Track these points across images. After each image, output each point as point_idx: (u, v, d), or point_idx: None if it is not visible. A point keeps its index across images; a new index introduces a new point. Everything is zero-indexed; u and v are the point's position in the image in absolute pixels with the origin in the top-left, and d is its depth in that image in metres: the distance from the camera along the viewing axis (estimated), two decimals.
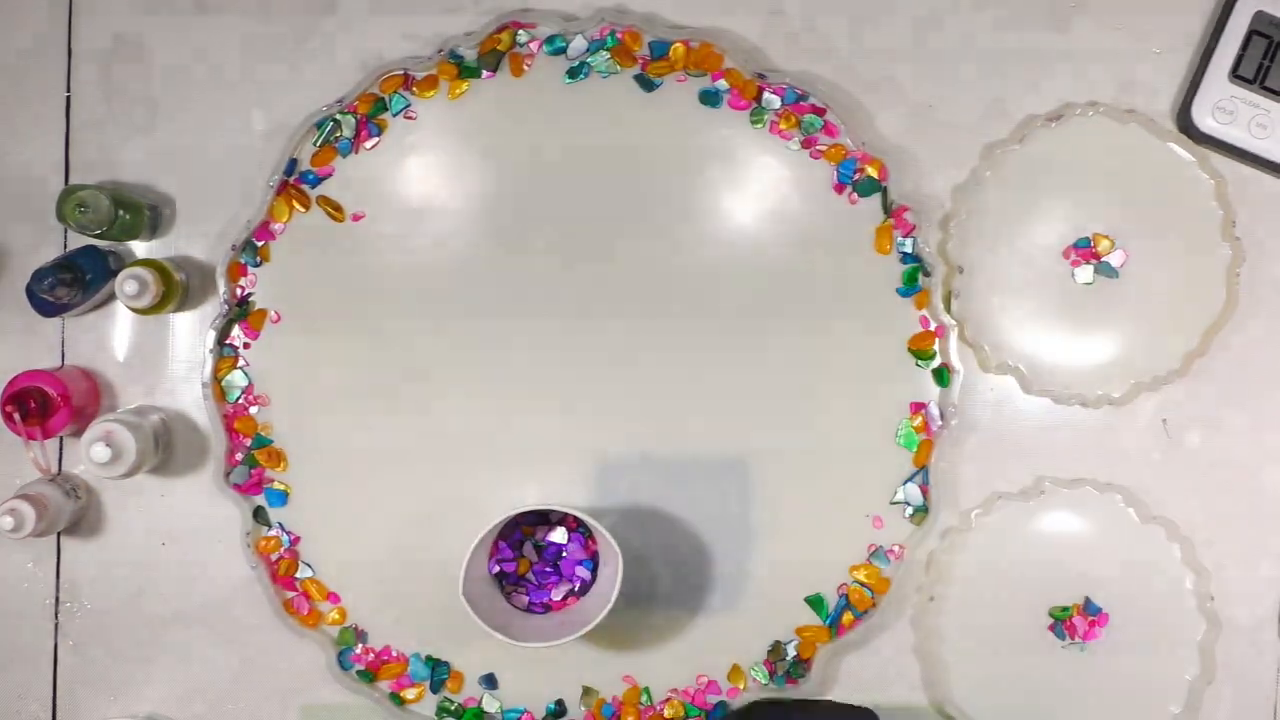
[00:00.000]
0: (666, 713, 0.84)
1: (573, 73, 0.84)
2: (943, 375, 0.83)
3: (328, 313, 0.85)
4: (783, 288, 0.84)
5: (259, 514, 0.85)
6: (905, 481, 0.84)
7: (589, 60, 0.84)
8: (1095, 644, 0.83)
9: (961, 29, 0.85)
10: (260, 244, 0.85)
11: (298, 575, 0.85)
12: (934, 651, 0.84)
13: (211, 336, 0.84)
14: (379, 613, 0.85)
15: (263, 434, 0.85)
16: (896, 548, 0.84)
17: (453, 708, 0.85)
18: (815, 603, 0.84)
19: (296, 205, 0.84)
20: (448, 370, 0.85)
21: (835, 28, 0.85)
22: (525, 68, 0.84)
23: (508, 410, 0.85)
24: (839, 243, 0.84)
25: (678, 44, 0.83)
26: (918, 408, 0.83)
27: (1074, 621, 0.83)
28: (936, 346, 0.83)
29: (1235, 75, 0.82)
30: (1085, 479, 0.84)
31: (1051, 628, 0.83)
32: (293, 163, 0.84)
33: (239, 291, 0.85)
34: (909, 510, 0.84)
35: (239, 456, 0.85)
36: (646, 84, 0.84)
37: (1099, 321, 0.83)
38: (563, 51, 0.84)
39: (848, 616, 0.83)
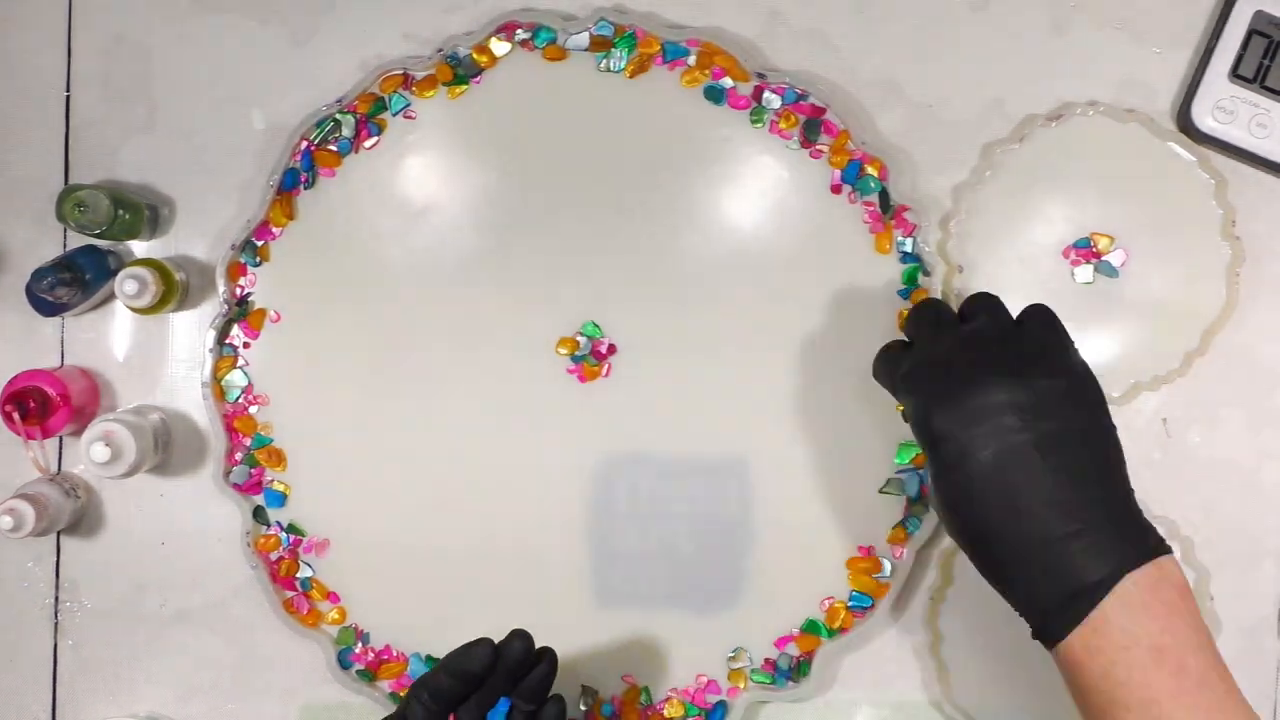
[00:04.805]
0: (666, 713, 0.84)
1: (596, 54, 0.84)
2: None
3: (328, 312, 0.85)
4: (782, 287, 0.84)
5: (259, 514, 0.85)
6: (898, 472, 0.84)
7: (615, 46, 0.84)
8: None
9: (961, 29, 0.85)
10: (260, 243, 0.85)
11: (298, 575, 0.85)
12: (934, 651, 0.84)
13: (211, 336, 0.84)
14: (379, 612, 0.85)
15: (263, 434, 0.85)
16: (896, 549, 0.84)
17: None
18: (812, 626, 0.84)
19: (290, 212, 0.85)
20: (448, 369, 0.85)
21: (835, 28, 0.85)
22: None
23: (508, 409, 0.85)
24: (839, 243, 0.84)
25: (709, 45, 0.83)
26: None
27: None
28: None
29: (1235, 75, 0.82)
30: None
31: None
32: (311, 161, 0.84)
33: (239, 291, 0.85)
34: (905, 506, 0.84)
35: (239, 456, 0.85)
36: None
37: (1099, 321, 0.83)
38: (552, 42, 0.84)
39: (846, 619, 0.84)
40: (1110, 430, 0.68)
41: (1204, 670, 0.63)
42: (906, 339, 0.73)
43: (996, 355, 0.67)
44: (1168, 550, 0.65)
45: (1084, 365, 0.68)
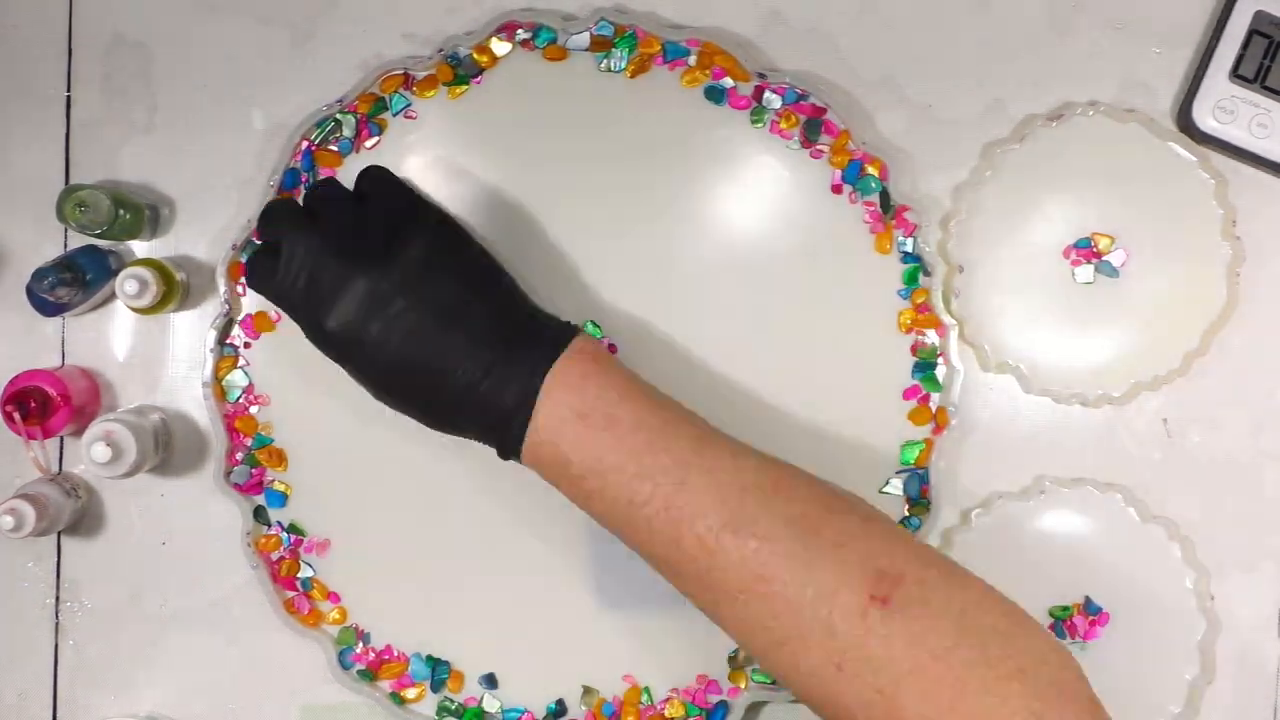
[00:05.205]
0: (667, 712, 0.84)
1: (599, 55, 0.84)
2: (933, 379, 0.84)
3: None
4: (782, 288, 0.84)
5: (259, 514, 0.85)
6: (898, 472, 0.84)
7: (616, 46, 0.84)
8: (1095, 644, 0.83)
9: (961, 29, 0.85)
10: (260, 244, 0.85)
11: (299, 575, 0.85)
12: None
13: (212, 336, 0.84)
14: (379, 612, 0.85)
15: (263, 434, 0.85)
16: None
17: (453, 707, 0.85)
18: None
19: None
20: None
21: (835, 28, 0.85)
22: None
23: None
24: (839, 243, 0.84)
25: (710, 45, 0.83)
26: (921, 398, 0.84)
27: (1074, 621, 0.83)
28: (938, 345, 0.84)
29: (1235, 75, 0.82)
30: (1085, 479, 0.84)
31: (1051, 627, 0.83)
32: (311, 161, 0.84)
33: (239, 291, 0.85)
34: (905, 506, 0.84)
35: (239, 456, 0.85)
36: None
37: (1099, 321, 0.83)
38: (552, 42, 0.84)
39: None
40: (481, 265, 0.74)
41: (638, 414, 0.69)
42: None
43: (350, 247, 0.71)
44: (575, 330, 0.72)
45: (434, 215, 0.74)
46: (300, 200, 0.76)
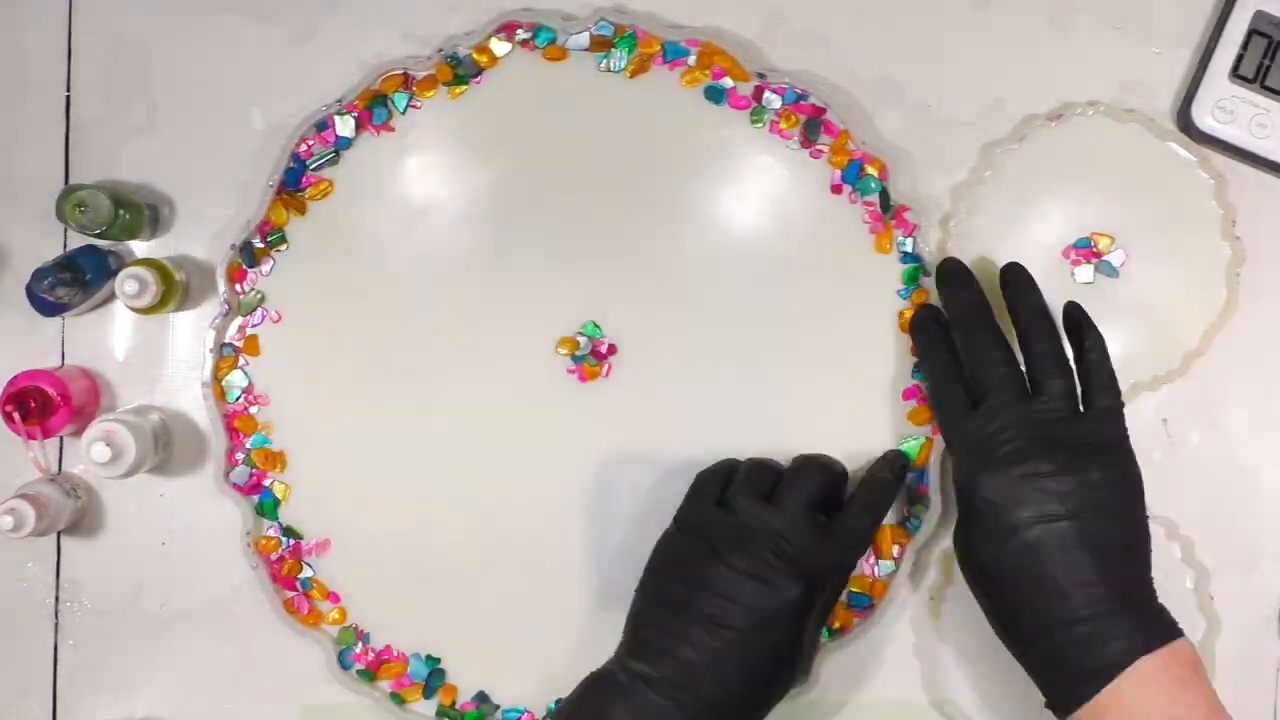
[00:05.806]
0: None
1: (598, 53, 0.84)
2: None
3: (328, 312, 0.85)
4: (782, 287, 0.84)
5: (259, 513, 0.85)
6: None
7: (615, 45, 0.84)
8: None
9: (961, 29, 0.85)
10: (260, 244, 0.84)
11: (300, 575, 0.85)
12: (934, 651, 0.84)
13: (211, 336, 0.84)
14: (379, 612, 0.85)
15: (263, 434, 0.85)
16: (895, 549, 0.84)
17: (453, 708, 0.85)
18: None
19: (293, 211, 0.84)
20: (448, 369, 0.85)
21: (835, 28, 0.85)
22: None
23: (509, 410, 0.85)
24: (839, 243, 0.84)
25: (709, 45, 0.83)
26: (921, 398, 0.84)
27: None
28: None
29: (1235, 75, 0.82)
30: None
31: None
32: (301, 165, 0.84)
33: (239, 291, 0.85)
34: (904, 506, 0.84)
35: (239, 456, 0.85)
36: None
37: (1099, 321, 0.83)
38: (552, 42, 0.84)
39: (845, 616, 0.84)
40: (1143, 520, 0.73)
41: None
42: (966, 369, 0.77)
43: (1059, 440, 0.72)
44: (1180, 633, 0.70)
45: (1132, 456, 0.74)
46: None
